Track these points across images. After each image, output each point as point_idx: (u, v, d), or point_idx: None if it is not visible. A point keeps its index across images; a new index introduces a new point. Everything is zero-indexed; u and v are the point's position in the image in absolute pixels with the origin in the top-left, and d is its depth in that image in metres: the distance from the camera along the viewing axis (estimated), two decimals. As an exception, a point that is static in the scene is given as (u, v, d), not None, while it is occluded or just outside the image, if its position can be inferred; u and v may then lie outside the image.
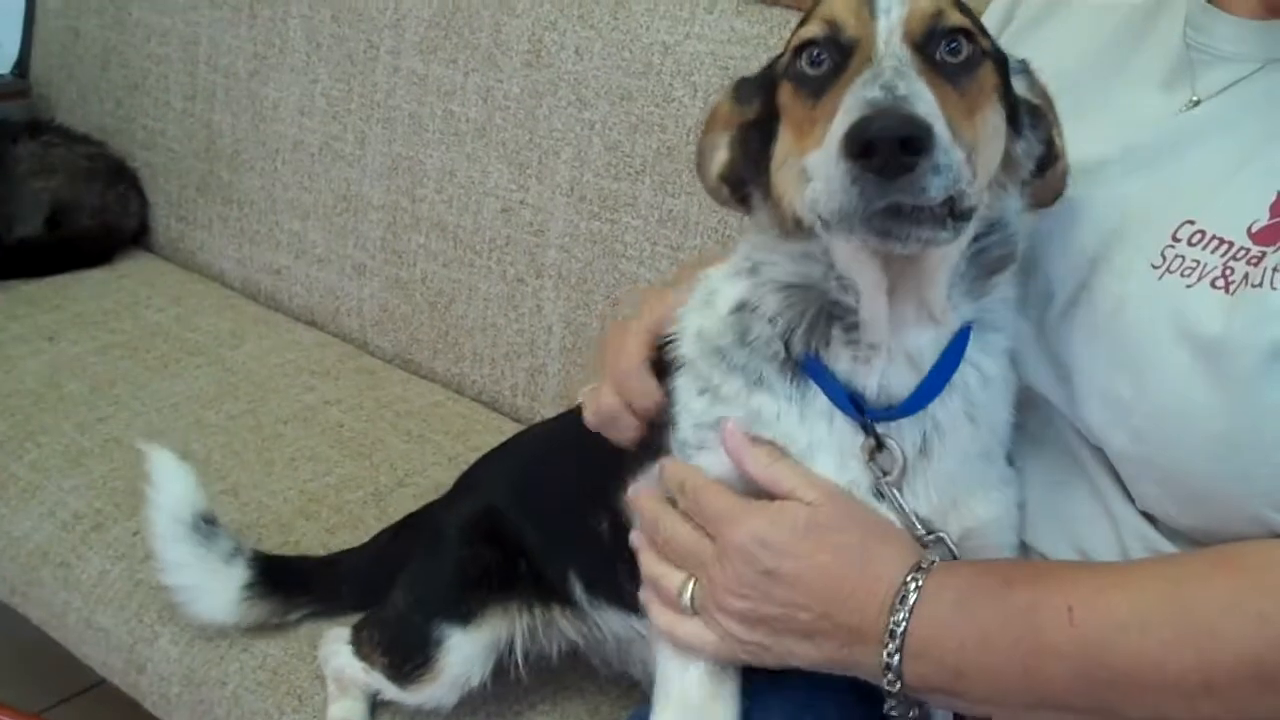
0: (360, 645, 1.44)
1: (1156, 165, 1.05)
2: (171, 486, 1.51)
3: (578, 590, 1.35)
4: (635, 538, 1.16)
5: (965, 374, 1.05)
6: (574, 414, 1.28)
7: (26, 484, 1.85)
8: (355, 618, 1.51)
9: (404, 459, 1.94)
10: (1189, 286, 0.97)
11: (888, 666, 0.99)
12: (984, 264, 1.03)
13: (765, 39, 1.81)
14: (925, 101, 0.87)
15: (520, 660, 1.37)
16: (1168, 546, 1.03)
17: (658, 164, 1.89)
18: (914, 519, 1.06)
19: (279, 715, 1.50)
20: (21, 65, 2.86)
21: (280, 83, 2.38)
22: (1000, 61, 1.01)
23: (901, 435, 1.05)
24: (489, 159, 2.10)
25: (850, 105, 0.87)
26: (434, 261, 2.18)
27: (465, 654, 1.35)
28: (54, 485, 1.84)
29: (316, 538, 1.74)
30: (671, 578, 1.10)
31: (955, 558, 1.06)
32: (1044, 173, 1.06)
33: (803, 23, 1.00)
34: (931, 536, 1.06)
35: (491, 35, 2.08)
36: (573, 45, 1.99)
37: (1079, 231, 1.07)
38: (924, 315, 1.02)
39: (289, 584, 1.56)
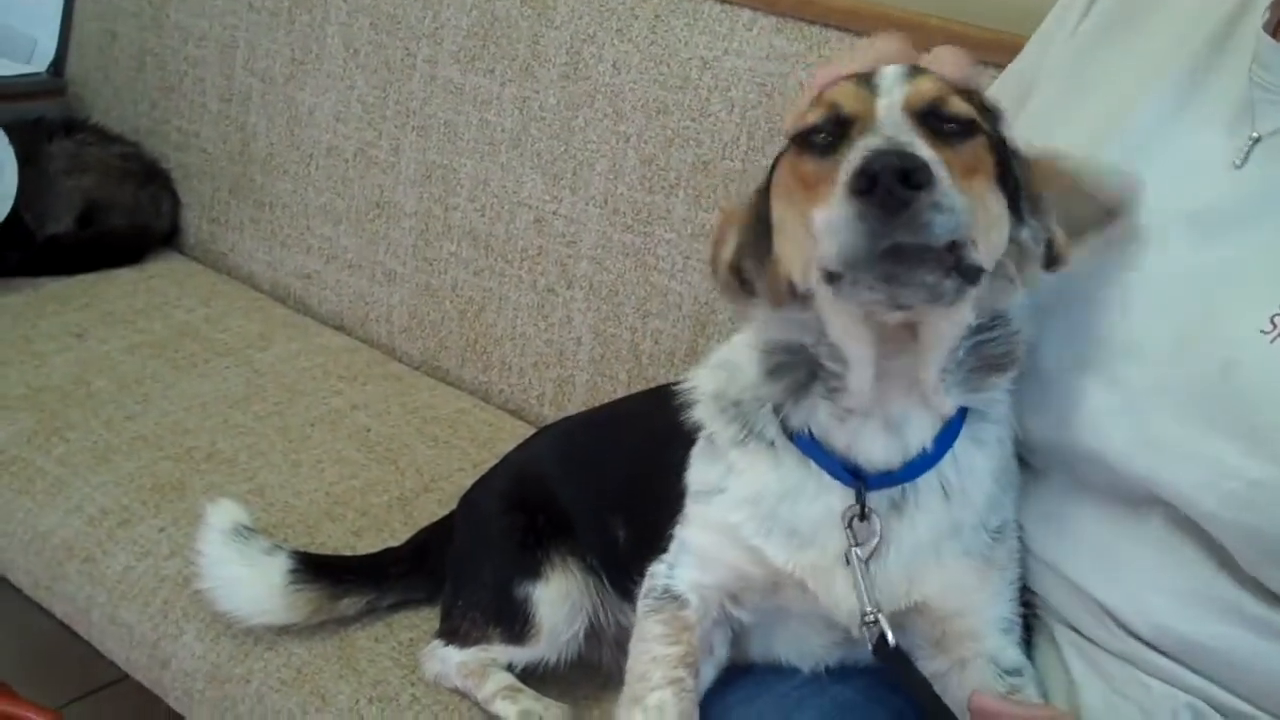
0: (464, 635, 1.46)
1: (1245, 227, 1.03)
2: (222, 509, 1.57)
3: (603, 578, 1.41)
4: None
5: (947, 457, 1.07)
6: (615, 409, 1.39)
7: (54, 479, 1.85)
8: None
9: (430, 465, 1.94)
10: None
11: None
12: (983, 357, 1.04)
13: (804, 56, 1.82)
14: (925, 149, 0.90)
15: (605, 623, 1.43)
16: (1250, 602, 1.02)
17: (692, 178, 1.90)
18: (866, 598, 1.06)
19: (302, 715, 1.50)
20: (58, 64, 2.87)
21: (316, 88, 2.39)
22: (1002, 147, 1.01)
23: (878, 500, 1.08)
24: (523, 169, 2.10)
25: (853, 156, 0.90)
26: (465, 270, 2.19)
27: (551, 607, 1.40)
28: (81, 481, 1.84)
29: (342, 540, 1.74)
30: None
31: (890, 643, 1.06)
32: (1051, 267, 1.05)
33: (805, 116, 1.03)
34: (870, 617, 1.06)
35: (529, 46, 2.09)
36: (610, 58, 2.00)
37: (1167, 294, 1.05)
38: (913, 392, 1.04)
39: (334, 570, 1.57)
